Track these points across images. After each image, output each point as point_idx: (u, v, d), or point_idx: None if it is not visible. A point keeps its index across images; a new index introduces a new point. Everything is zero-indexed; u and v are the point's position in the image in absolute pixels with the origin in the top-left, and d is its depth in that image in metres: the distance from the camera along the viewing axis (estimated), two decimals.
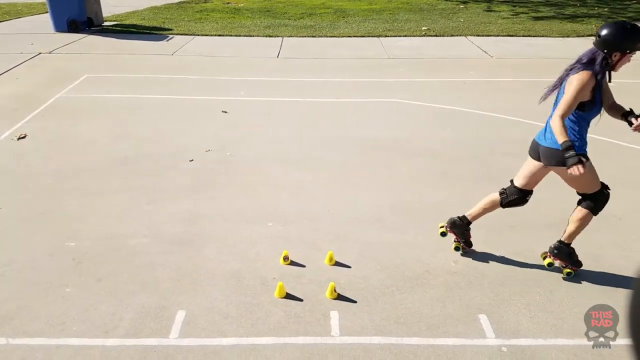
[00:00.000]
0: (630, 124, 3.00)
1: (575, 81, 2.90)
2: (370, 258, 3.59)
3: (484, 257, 3.60)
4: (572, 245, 3.37)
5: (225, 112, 6.41)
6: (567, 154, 2.84)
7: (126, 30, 11.17)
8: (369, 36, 10.96)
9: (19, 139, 5.54)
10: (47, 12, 11.10)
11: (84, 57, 9.00)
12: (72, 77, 7.71)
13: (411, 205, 4.28)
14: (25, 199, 4.35)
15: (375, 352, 2.78)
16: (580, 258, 3.39)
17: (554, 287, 3.33)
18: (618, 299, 3.14)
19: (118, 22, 11.97)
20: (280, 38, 10.78)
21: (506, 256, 3.61)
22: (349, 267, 3.50)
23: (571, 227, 3.29)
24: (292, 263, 3.52)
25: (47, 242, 3.74)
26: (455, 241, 3.62)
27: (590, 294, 3.26)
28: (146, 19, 12.37)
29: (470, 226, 3.58)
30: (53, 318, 3.01)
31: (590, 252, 3.60)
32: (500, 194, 3.40)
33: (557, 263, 3.44)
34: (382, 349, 2.81)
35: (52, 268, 3.46)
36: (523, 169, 3.35)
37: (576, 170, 2.82)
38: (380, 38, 10.82)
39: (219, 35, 10.95)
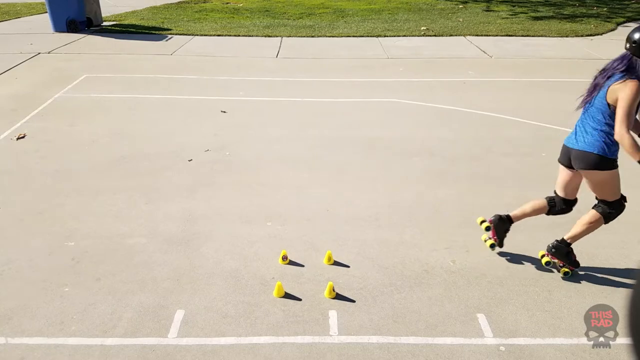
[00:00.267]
0: None
1: (629, 91, 2.86)
2: (368, 257, 3.59)
3: (483, 257, 3.60)
4: (571, 246, 3.37)
5: (224, 112, 6.41)
6: None
7: (125, 30, 11.17)
8: (368, 36, 10.96)
9: (18, 139, 5.54)
10: (46, 12, 11.09)
11: (83, 57, 9.00)
12: (71, 77, 7.71)
13: (410, 205, 4.28)
14: (24, 198, 4.35)
15: (374, 352, 2.79)
16: (578, 258, 3.40)
17: (552, 286, 3.33)
18: (617, 299, 3.15)
19: (117, 22, 11.97)
20: (279, 38, 10.78)
21: (505, 256, 3.61)
22: (347, 266, 3.50)
23: (578, 229, 3.30)
24: (291, 262, 3.52)
25: (46, 242, 3.74)
26: (490, 238, 3.57)
27: (589, 293, 3.27)
28: (145, 19, 12.37)
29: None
30: (52, 317, 3.01)
31: (589, 251, 3.61)
32: (549, 202, 3.39)
33: (556, 262, 3.45)
34: (380, 348, 2.81)
35: (50, 267, 3.46)
36: (559, 179, 3.35)
37: None
38: (380, 38, 10.82)
39: (218, 35, 10.94)
